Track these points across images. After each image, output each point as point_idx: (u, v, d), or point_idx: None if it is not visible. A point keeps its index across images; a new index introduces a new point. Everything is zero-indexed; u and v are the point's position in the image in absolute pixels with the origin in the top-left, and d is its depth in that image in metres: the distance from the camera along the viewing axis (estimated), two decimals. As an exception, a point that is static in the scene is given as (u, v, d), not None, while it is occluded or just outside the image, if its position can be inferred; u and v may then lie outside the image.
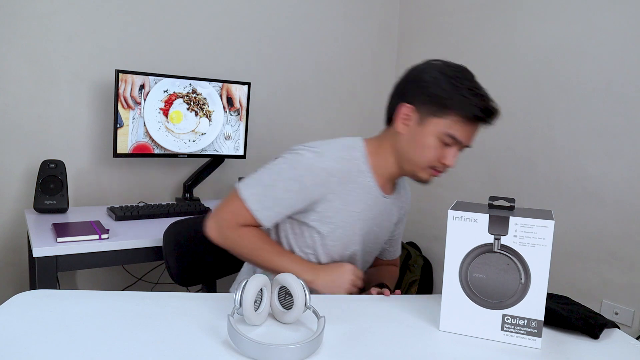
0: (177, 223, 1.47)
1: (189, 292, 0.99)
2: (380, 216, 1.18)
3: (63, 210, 1.76)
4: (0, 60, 1.79)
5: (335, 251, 1.14)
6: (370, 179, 1.12)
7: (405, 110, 1.06)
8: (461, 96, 1.00)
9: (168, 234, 1.44)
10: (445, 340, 0.82)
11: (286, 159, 1.09)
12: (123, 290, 1.58)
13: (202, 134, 2.03)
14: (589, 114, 1.90)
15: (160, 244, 1.51)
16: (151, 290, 2.16)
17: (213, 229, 1.11)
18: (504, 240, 0.81)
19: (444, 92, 1.01)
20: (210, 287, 1.71)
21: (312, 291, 1.09)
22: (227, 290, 2.32)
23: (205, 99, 2.01)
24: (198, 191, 2.24)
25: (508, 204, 1.04)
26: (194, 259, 1.50)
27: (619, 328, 0.91)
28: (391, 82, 2.82)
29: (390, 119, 1.13)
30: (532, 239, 0.79)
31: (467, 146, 1.07)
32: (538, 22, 2.06)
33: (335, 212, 1.09)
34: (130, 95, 1.84)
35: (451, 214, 0.84)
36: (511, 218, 0.80)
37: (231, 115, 2.09)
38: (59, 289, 1.61)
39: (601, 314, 1.25)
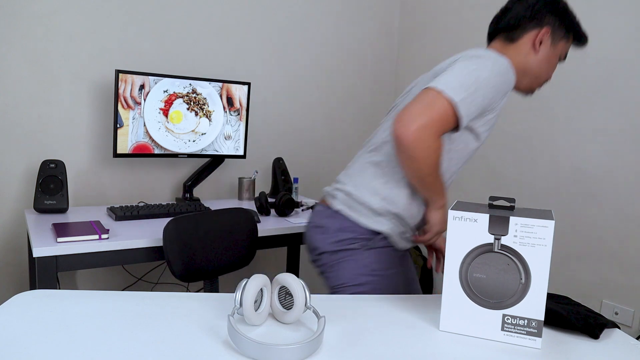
0: (177, 219, 1.47)
1: (189, 292, 0.99)
2: None
3: (63, 210, 1.76)
4: (0, 60, 1.79)
5: (464, 156, 1.17)
6: None
7: (544, 32, 1.15)
8: (578, 23, 1.18)
9: (168, 230, 1.44)
10: (445, 340, 0.82)
11: (486, 64, 1.04)
12: (123, 290, 1.58)
13: (202, 134, 2.03)
14: (589, 114, 1.90)
15: (160, 243, 1.51)
16: (151, 290, 2.16)
17: (415, 131, 0.97)
18: (504, 240, 0.81)
19: (572, 19, 1.17)
20: (212, 285, 1.69)
21: (424, 219, 1.18)
22: (230, 288, 2.32)
23: (205, 99, 2.01)
24: (198, 191, 2.24)
25: (508, 204, 1.04)
26: (195, 256, 1.50)
27: (619, 328, 0.91)
28: (391, 82, 2.85)
29: (510, 37, 1.18)
30: (532, 239, 0.79)
31: None
32: (538, 22, 2.06)
33: (494, 122, 1.13)
34: (130, 95, 1.84)
35: (451, 214, 0.84)
36: (511, 218, 0.80)
37: (231, 115, 2.09)
38: (59, 289, 1.62)
39: (601, 314, 1.25)
